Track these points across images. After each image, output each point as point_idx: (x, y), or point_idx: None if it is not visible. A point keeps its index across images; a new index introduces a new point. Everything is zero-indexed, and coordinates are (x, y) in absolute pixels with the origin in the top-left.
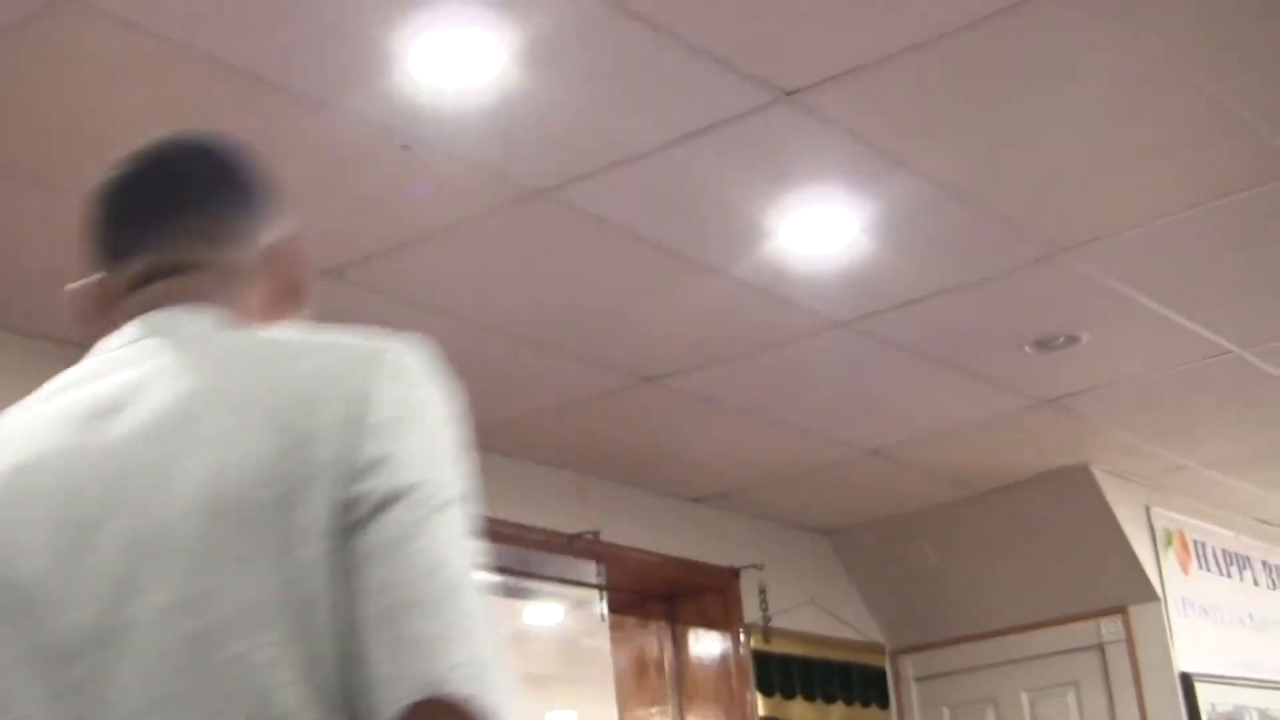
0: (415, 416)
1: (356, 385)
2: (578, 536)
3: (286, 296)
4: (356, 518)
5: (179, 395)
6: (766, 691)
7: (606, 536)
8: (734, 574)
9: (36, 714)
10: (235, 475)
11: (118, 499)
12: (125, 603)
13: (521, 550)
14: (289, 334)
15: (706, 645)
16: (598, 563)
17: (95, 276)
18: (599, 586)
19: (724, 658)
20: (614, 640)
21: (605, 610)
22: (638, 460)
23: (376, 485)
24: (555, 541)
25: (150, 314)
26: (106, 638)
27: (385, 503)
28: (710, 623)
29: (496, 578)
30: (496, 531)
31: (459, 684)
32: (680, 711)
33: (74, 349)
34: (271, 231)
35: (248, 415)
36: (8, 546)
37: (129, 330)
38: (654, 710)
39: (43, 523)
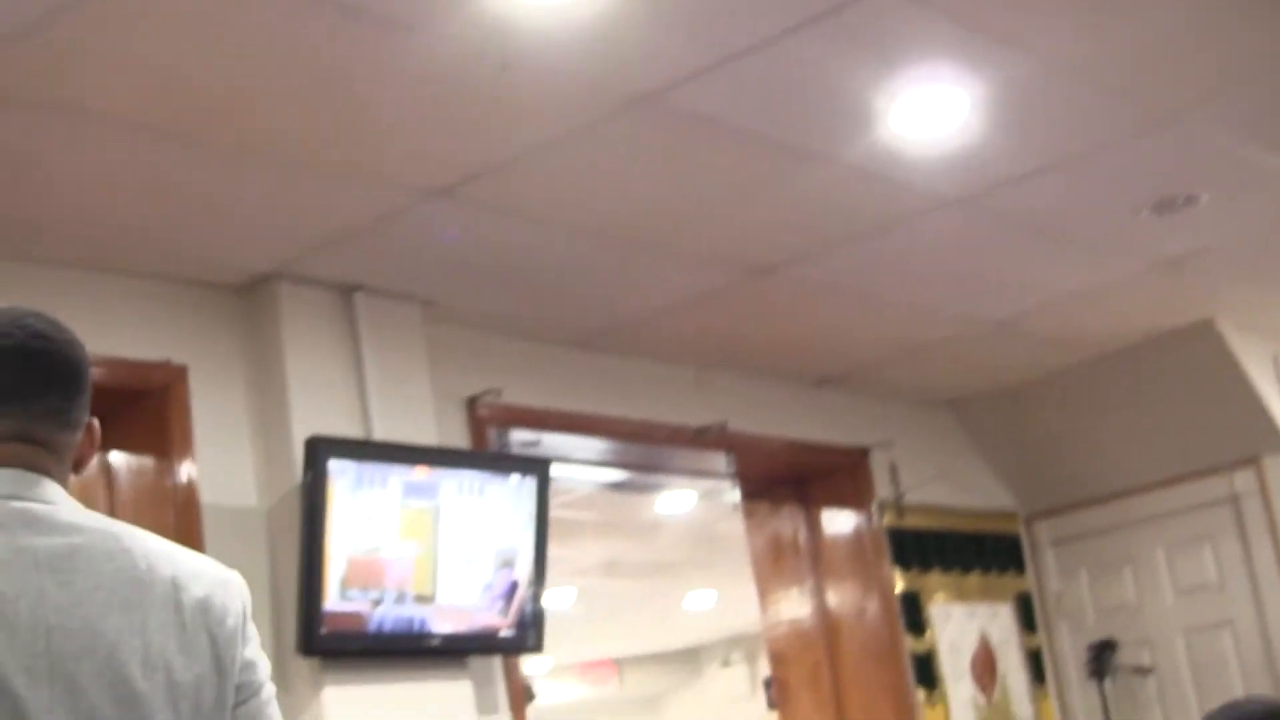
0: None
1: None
2: (705, 429)
3: (80, 465)
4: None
5: (116, 578)
6: (903, 566)
7: (734, 426)
8: (863, 453)
9: None
10: (171, 657)
11: (91, 646)
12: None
13: (650, 447)
14: (165, 543)
15: (840, 525)
16: (727, 453)
17: None
18: (729, 475)
19: (858, 536)
20: (748, 525)
21: (737, 497)
22: (759, 349)
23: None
24: (683, 436)
25: (19, 473)
26: None
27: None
28: (843, 503)
29: (627, 475)
30: (624, 430)
31: None
32: (819, 590)
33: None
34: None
35: (169, 614)
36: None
37: (8, 478)
38: (793, 589)
39: (26, 649)
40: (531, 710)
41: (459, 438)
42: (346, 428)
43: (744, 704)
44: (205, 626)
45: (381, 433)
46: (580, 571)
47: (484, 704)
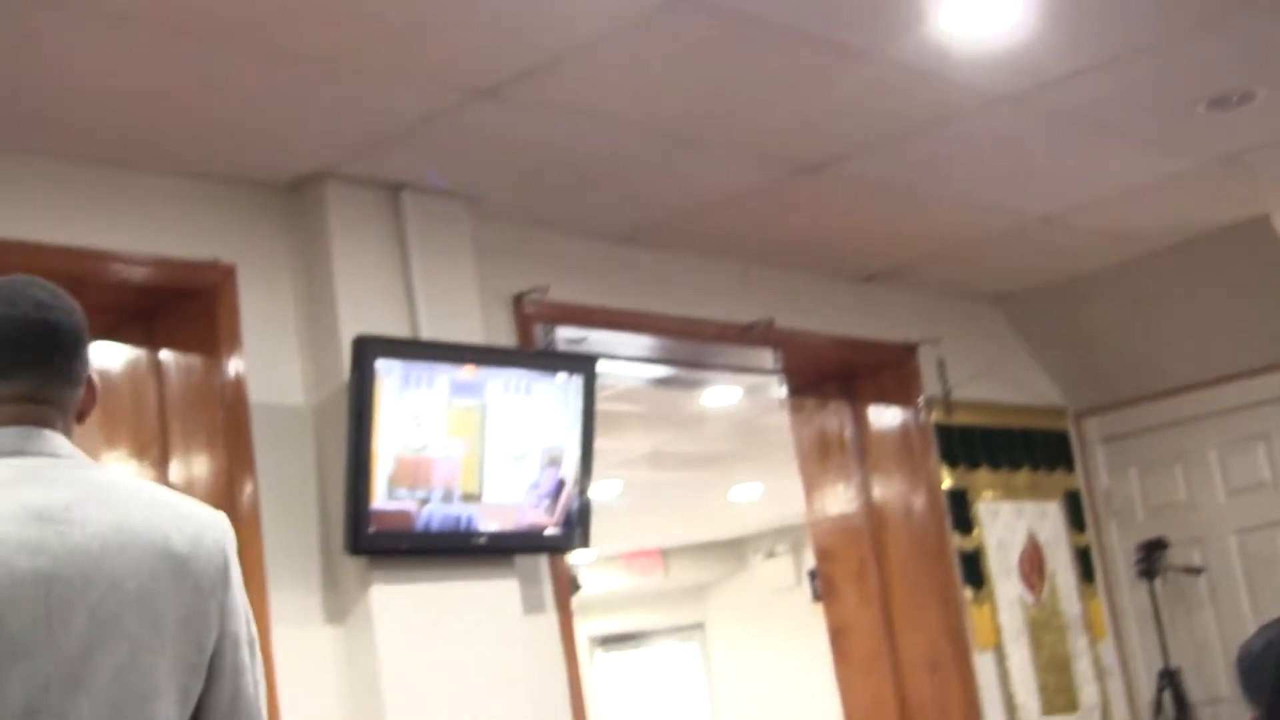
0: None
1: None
2: (752, 326)
3: (83, 417)
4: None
5: (110, 526)
6: (950, 463)
7: (780, 323)
8: (911, 349)
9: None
10: (159, 601)
11: (84, 592)
12: (89, 661)
13: (696, 343)
14: (158, 489)
15: (887, 421)
16: (773, 349)
17: None
18: (776, 371)
19: (906, 432)
20: (794, 421)
21: (784, 393)
22: (806, 245)
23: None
24: (730, 332)
25: (26, 430)
26: (74, 683)
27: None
28: (890, 399)
29: (673, 371)
30: (670, 326)
31: None
32: (866, 486)
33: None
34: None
35: (176, 564)
36: (10, 605)
37: (18, 434)
38: (839, 485)
39: (28, 595)
40: (576, 600)
41: (505, 336)
42: (393, 327)
43: (788, 595)
44: (193, 571)
45: (428, 332)
46: (626, 463)
47: (530, 602)
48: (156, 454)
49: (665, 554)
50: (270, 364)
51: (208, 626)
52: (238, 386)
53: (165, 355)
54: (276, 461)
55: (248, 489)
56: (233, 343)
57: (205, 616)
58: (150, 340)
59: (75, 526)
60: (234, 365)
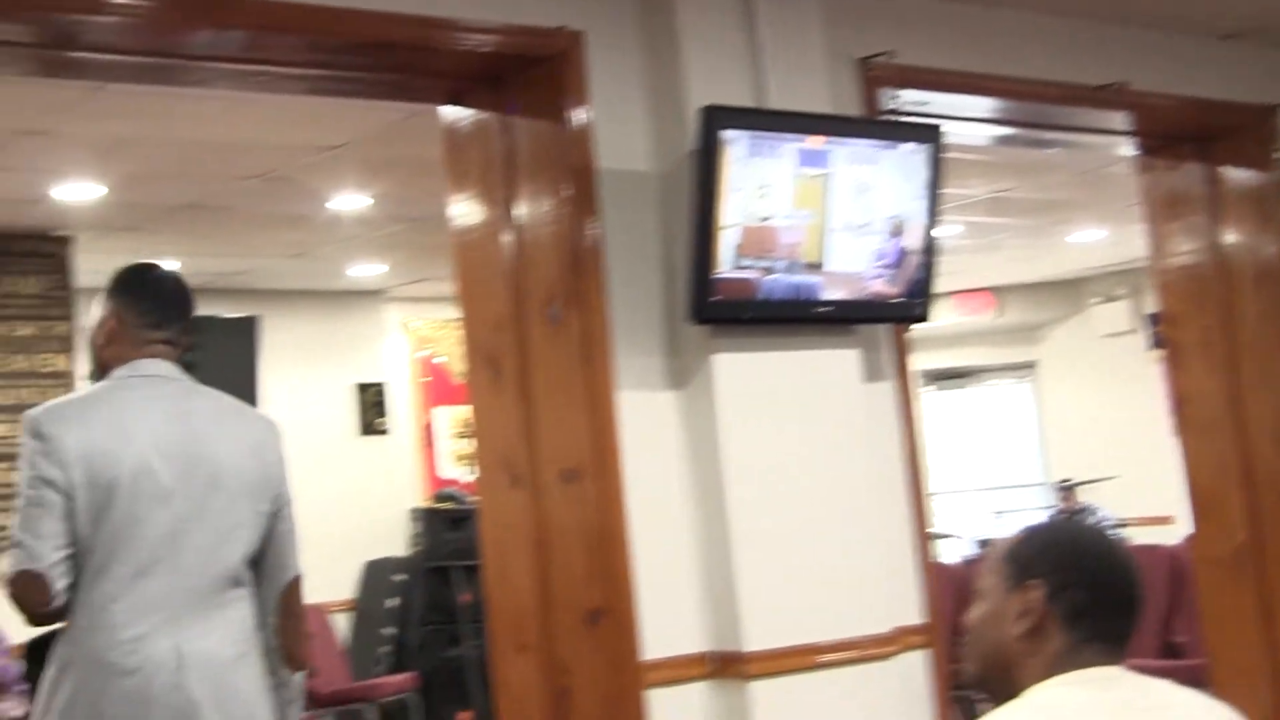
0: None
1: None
2: (1104, 87)
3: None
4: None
5: (215, 421)
6: None
7: (1135, 85)
8: (1270, 111)
9: (162, 551)
10: (245, 472)
11: (201, 460)
12: (205, 503)
13: (1045, 105)
14: (222, 394)
15: (1242, 184)
16: (1124, 111)
17: (123, 322)
18: (1126, 133)
19: (1261, 197)
20: (1143, 180)
21: (1133, 153)
22: (1162, 1)
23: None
24: (1079, 94)
25: (162, 362)
26: (197, 517)
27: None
28: (1245, 162)
29: (1020, 132)
30: (1018, 89)
31: (299, 572)
32: (1215, 250)
33: None
34: None
35: (253, 450)
36: (154, 469)
37: (157, 364)
38: (1186, 247)
39: (173, 461)
40: (909, 336)
41: (849, 101)
42: (739, 95)
43: (1124, 340)
44: (263, 451)
45: (774, 100)
46: (965, 206)
47: (870, 371)
48: (502, 204)
49: (999, 293)
50: (616, 131)
51: (272, 485)
52: (584, 153)
53: (514, 123)
54: (622, 228)
55: (593, 254)
56: (580, 109)
57: (270, 479)
58: (499, 105)
59: (196, 419)
60: (581, 132)
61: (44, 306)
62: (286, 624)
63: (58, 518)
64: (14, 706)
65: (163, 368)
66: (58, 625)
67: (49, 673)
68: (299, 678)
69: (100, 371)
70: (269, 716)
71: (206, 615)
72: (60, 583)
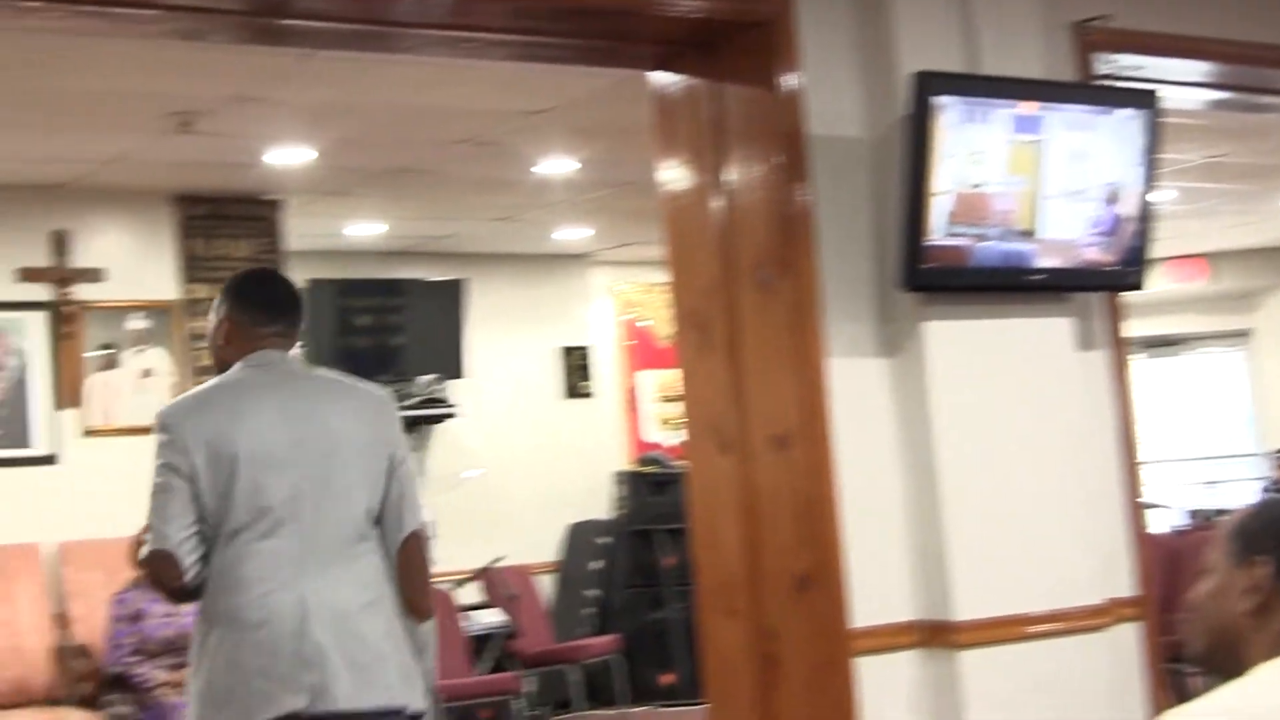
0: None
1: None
2: None
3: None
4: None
5: (328, 397)
6: None
7: None
8: None
9: (284, 514)
10: (355, 438)
11: (312, 431)
12: (320, 470)
13: (1261, 69)
14: (333, 373)
15: None
16: None
17: (237, 323)
18: None
19: None
20: None
21: None
22: None
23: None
24: None
25: (275, 352)
26: (311, 483)
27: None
28: None
29: (1233, 95)
30: (1233, 52)
31: (419, 527)
32: None
33: None
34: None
35: (363, 419)
36: (269, 443)
37: (269, 354)
38: None
39: (281, 435)
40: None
41: (1063, 67)
42: (951, 60)
43: None
44: (371, 417)
45: (987, 66)
46: (1179, 172)
47: (1083, 339)
48: (712, 169)
49: (1212, 259)
50: (827, 97)
51: (383, 448)
52: (795, 118)
53: (725, 90)
54: (832, 194)
55: (804, 219)
56: (790, 75)
57: (380, 443)
58: (708, 71)
59: (305, 395)
60: (792, 97)
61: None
62: (407, 576)
63: (184, 501)
64: None
65: (274, 356)
66: None
67: (198, 633)
68: (427, 627)
69: (220, 369)
70: (398, 661)
71: (332, 569)
72: (189, 559)
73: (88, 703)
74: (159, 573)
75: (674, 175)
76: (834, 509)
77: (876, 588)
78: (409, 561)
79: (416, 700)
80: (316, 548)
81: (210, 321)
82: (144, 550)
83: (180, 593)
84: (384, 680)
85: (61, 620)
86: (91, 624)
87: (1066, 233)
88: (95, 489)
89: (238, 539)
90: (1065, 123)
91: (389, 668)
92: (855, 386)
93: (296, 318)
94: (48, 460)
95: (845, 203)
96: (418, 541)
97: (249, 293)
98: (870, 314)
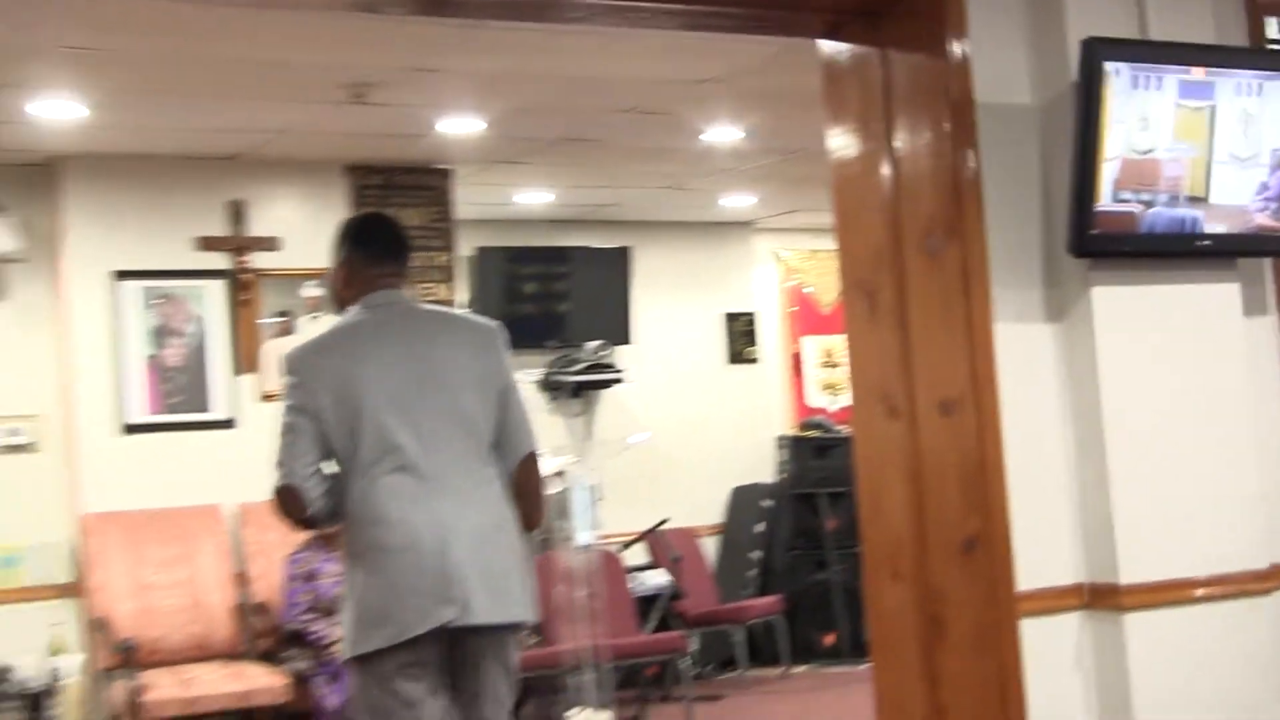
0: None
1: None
2: None
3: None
4: (506, 389)
5: (442, 327)
6: None
7: None
8: None
9: (412, 445)
10: (467, 368)
11: (428, 365)
12: (438, 401)
13: None
14: (443, 308)
15: None
16: None
17: (353, 266)
18: None
19: None
20: None
21: None
22: None
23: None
24: None
25: (390, 291)
26: (432, 414)
27: (510, 388)
28: None
29: None
30: None
31: (535, 448)
32: None
33: None
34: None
35: (476, 351)
36: (390, 379)
37: (386, 294)
38: None
39: (401, 371)
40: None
41: (1234, 30)
42: (1120, 25)
43: None
44: (481, 349)
45: (1155, 32)
46: None
47: (1251, 305)
48: (881, 137)
49: None
50: (995, 63)
51: (495, 378)
52: (964, 86)
53: (892, 56)
54: (1000, 160)
55: (973, 186)
56: (959, 42)
57: (491, 372)
58: (877, 39)
59: (420, 332)
60: (960, 64)
61: (426, 237)
62: (524, 494)
63: (310, 440)
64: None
65: (390, 296)
66: None
67: (346, 568)
68: (534, 534)
69: (340, 310)
70: (521, 579)
71: (461, 495)
72: (314, 493)
73: (266, 658)
74: (286, 505)
75: (842, 143)
76: (1000, 473)
77: (1042, 550)
78: (525, 481)
79: (532, 614)
80: (445, 476)
81: (330, 267)
82: (274, 484)
83: (306, 523)
84: (512, 597)
85: (241, 579)
86: (269, 583)
87: (1235, 198)
88: (272, 452)
89: (371, 473)
90: (1235, 88)
91: (514, 584)
92: (1022, 351)
93: (406, 258)
94: (227, 424)
95: (1012, 169)
96: (532, 462)
97: (364, 236)
98: (1038, 279)
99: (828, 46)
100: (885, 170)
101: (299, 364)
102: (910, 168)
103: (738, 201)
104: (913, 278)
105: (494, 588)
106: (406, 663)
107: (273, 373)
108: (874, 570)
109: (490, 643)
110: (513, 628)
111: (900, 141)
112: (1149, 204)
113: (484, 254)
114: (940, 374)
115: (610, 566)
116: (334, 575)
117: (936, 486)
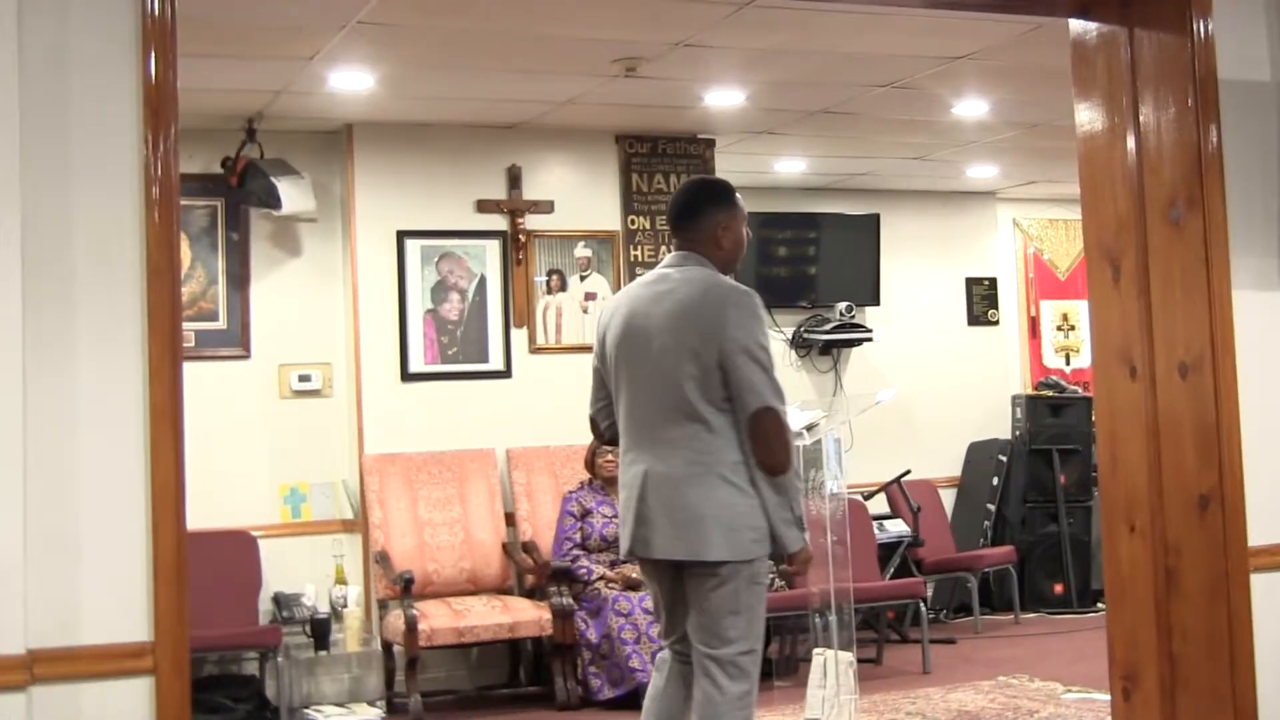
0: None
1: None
2: None
3: (728, 259)
4: (728, 353)
5: (665, 292)
6: None
7: None
8: None
9: (634, 398)
10: (678, 331)
11: (642, 329)
12: (651, 361)
13: None
14: (690, 272)
15: None
16: None
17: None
18: None
19: None
20: None
21: None
22: None
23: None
24: None
25: (674, 253)
26: (646, 373)
27: (735, 351)
28: None
29: None
30: None
31: (759, 406)
32: None
33: None
34: (717, 224)
35: (682, 310)
36: (621, 339)
37: (669, 256)
38: None
39: (628, 332)
40: None
41: None
42: None
43: None
44: (696, 314)
45: None
46: None
47: None
48: (1126, 111)
49: None
50: (1239, 41)
51: (711, 340)
52: (1208, 63)
53: (1138, 35)
54: (1241, 134)
55: (1215, 159)
56: (1204, 20)
57: (707, 336)
58: (1124, 18)
59: (651, 296)
60: (1205, 42)
61: None
62: (754, 446)
63: (598, 382)
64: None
65: (668, 258)
66: None
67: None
68: (786, 478)
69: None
70: (718, 523)
71: (665, 444)
72: (603, 423)
73: (531, 593)
74: (591, 429)
75: (1089, 117)
76: (1235, 433)
77: (1274, 507)
78: (752, 435)
79: (743, 552)
80: (653, 427)
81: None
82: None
83: (603, 441)
84: (697, 538)
85: (510, 519)
86: (536, 524)
87: None
88: (541, 401)
89: (619, 417)
90: None
91: (706, 528)
92: (1259, 318)
93: (684, 222)
94: (502, 374)
95: (1252, 143)
96: (759, 418)
97: (671, 203)
98: (1275, 249)
99: (1077, 25)
100: (1130, 143)
101: (600, 319)
102: (1154, 141)
103: (981, 172)
104: (1155, 246)
105: (678, 528)
106: (647, 575)
107: (543, 327)
108: (1111, 524)
109: (689, 576)
110: (699, 565)
111: (1145, 116)
112: None
113: None
114: (1180, 338)
115: (857, 515)
116: (607, 516)
117: (1173, 445)
